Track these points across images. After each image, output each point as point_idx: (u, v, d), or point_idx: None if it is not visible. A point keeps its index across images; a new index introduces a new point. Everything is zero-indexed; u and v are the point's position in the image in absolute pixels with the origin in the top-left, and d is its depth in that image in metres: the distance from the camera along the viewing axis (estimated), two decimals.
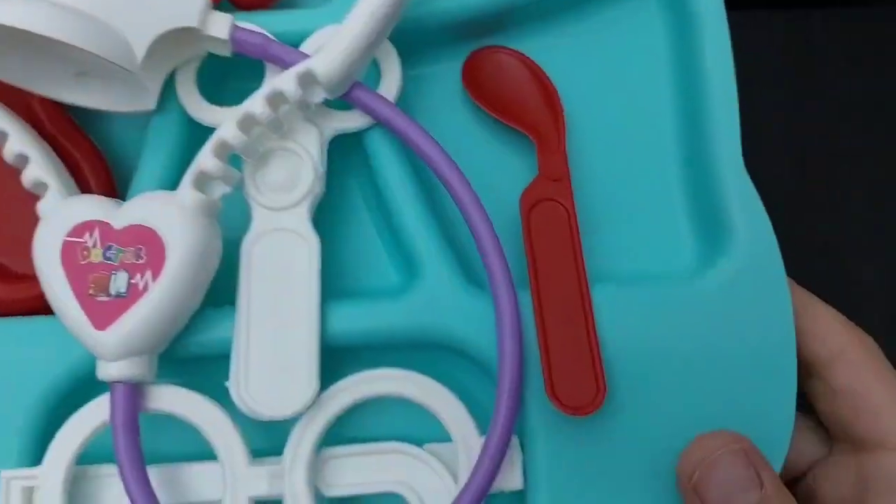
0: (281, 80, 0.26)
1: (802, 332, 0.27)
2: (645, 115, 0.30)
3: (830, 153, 0.50)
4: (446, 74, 0.31)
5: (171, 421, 0.27)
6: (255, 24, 0.27)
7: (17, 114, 0.27)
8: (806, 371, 0.28)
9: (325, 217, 0.28)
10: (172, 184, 0.28)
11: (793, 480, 0.29)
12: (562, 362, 0.26)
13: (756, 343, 0.27)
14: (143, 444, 0.25)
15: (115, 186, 0.29)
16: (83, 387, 0.27)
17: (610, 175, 0.30)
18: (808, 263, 0.31)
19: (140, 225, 0.25)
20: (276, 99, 0.26)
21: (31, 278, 0.29)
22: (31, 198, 0.29)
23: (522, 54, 0.30)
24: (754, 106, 0.31)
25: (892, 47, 0.47)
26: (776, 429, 0.26)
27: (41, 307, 0.28)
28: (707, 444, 0.25)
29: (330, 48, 0.26)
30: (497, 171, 0.30)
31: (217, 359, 0.27)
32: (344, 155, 0.29)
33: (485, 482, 0.25)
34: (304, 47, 0.28)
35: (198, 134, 0.29)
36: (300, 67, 0.25)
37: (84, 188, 0.28)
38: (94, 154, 0.29)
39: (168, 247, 0.25)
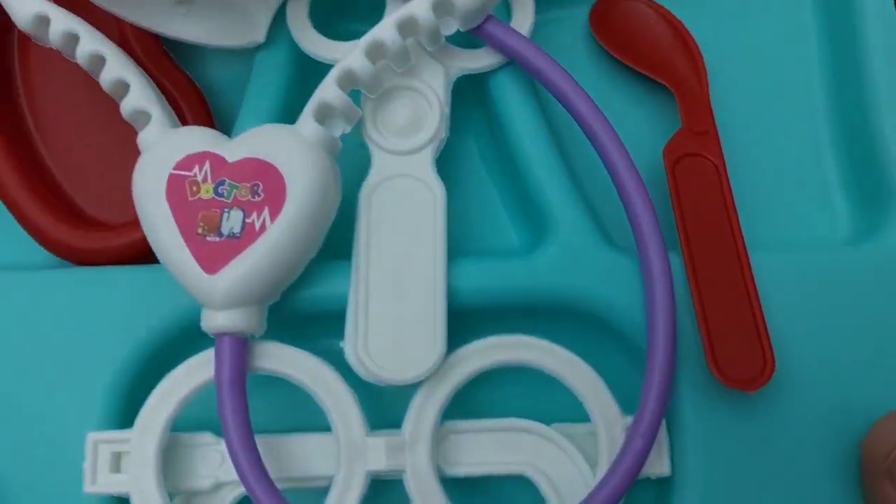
0: (415, 5, 0.23)
1: None
2: (789, 64, 0.28)
3: None
4: (571, 19, 0.28)
5: (274, 385, 0.24)
6: None
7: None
8: None
9: (438, 167, 0.26)
10: (279, 121, 0.25)
11: None
12: (723, 331, 0.23)
13: None
14: None
15: (214, 124, 0.26)
16: (178, 343, 0.24)
17: (751, 131, 0.27)
18: None
19: (257, 158, 0.22)
20: (407, 26, 0.23)
21: (112, 226, 0.27)
22: (114, 140, 0.27)
23: (655, 2, 0.28)
24: None
25: None
26: None
27: (124, 258, 0.26)
28: None
29: None
30: (629, 121, 0.27)
31: (327, 317, 0.24)
32: (458, 99, 0.27)
33: (635, 466, 0.22)
34: None
35: (306, 71, 0.27)
36: None
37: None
38: (191, 89, 0.26)
39: (289, 184, 0.22)
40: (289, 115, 0.26)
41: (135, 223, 0.26)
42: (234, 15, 0.25)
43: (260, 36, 0.25)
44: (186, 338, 0.24)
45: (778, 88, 0.28)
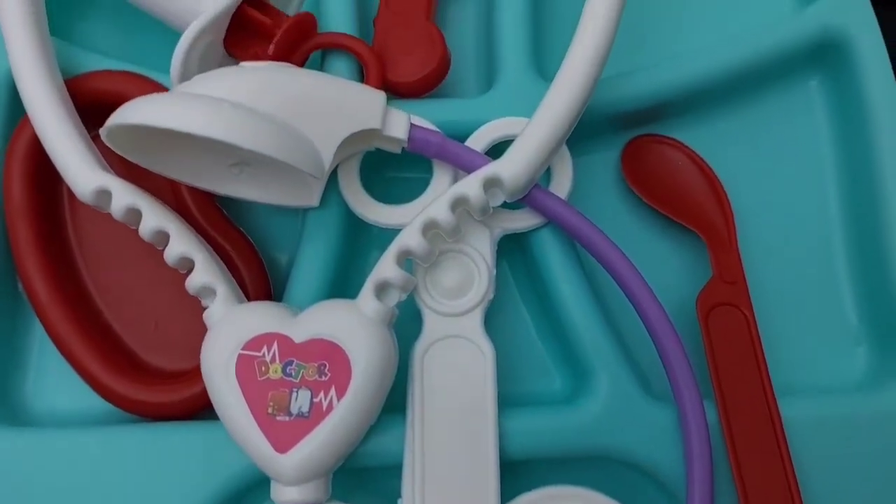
0: (466, 186, 0.24)
1: None
2: (810, 210, 0.30)
3: None
4: (602, 162, 0.30)
5: None
6: (416, 114, 0.26)
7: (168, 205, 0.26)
8: None
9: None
10: (331, 280, 0.27)
11: None
12: (757, 486, 0.25)
13: None
14: None
15: (268, 281, 0.27)
16: (244, 497, 0.25)
17: (772, 275, 0.29)
18: None
19: (323, 339, 0.23)
20: (459, 204, 0.24)
21: (169, 374, 0.28)
22: (166, 286, 0.28)
23: (685, 145, 0.29)
24: None
25: None
26: None
27: (186, 409, 0.27)
28: None
29: (516, 153, 0.24)
30: (660, 262, 0.29)
31: (384, 468, 0.25)
32: (500, 252, 0.28)
33: None
34: (473, 141, 0.27)
35: (356, 229, 0.28)
36: (487, 172, 0.24)
37: (238, 282, 0.26)
38: (246, 247, 0.27)
39: (354, 363, 0.23)
40: (339, 271, 0.27)
41: (191, 374, 0.27)
42: (287, 178, 0.26)
43: (314, 200, 0.26)
44: (252, 491, 0.26)
45: (797, 230, 0.30)
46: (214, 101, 0.21)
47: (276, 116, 0.22)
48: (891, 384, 0.27)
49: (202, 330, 0.25)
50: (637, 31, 0.30)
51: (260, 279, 0.27)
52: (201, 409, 0.27)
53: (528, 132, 0.24)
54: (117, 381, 0.27)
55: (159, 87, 0.28)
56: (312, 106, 0.23)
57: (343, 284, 0.27)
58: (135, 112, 0.21)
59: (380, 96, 0.25)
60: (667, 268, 0.29)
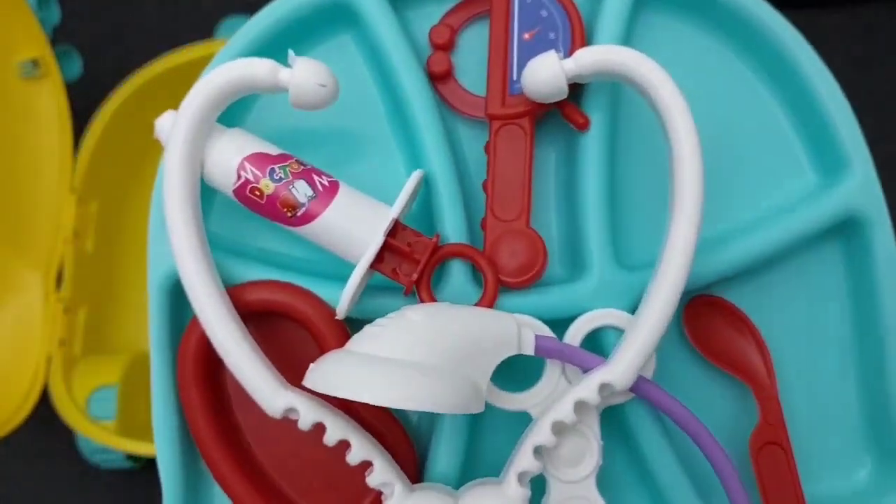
0: (584, 391, 0.31)
1: None
2: (832, 355, 0.37)
3: None
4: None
5: None
6: (522, 305, 0.33)
7: (342, 408, 0.32)
8: None
9: None
10: (461, 466, 0.34)
11: None
12: None
13: None
14: None
15: (417, 460, 0.34)
16: None
17: (803, 409, 0.37)
18: None
19: None
20: (580, 405, 0.31)
21: None
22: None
23: (734, 305, 0.36)
24: None
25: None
26: None
27: None
28: None
29: (622, 359, 0.31)
30: (716, 402, 0.36)
31: None
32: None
33: None
34: (574, 328, 0.33)
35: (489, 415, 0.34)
36: (601, 379, 0.31)
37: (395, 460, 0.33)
38: (401, 435, 0.34)
39: None
40: (470, 443, 0.34)
41: None
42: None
43: (480, 406, 0.30)
44: None
45: (824, 373, 0.37)
46: (400, 371, 0.27)
47: (445, 367, 0.28)
48: (889, 496, 0.35)
49: (353, 485, 0.32)
50: None
51: (411, 460, 0.34)
52: None
53: (631, 341, 0.31)
54: None
55: (310, 296, 0.33)
56: (467, 349, 0.29)
57: (474, 454, 0.35)
58: (336, 384, 0.27)
59: (512, 325, 0.30)
60: (726, 408, 0.36)
